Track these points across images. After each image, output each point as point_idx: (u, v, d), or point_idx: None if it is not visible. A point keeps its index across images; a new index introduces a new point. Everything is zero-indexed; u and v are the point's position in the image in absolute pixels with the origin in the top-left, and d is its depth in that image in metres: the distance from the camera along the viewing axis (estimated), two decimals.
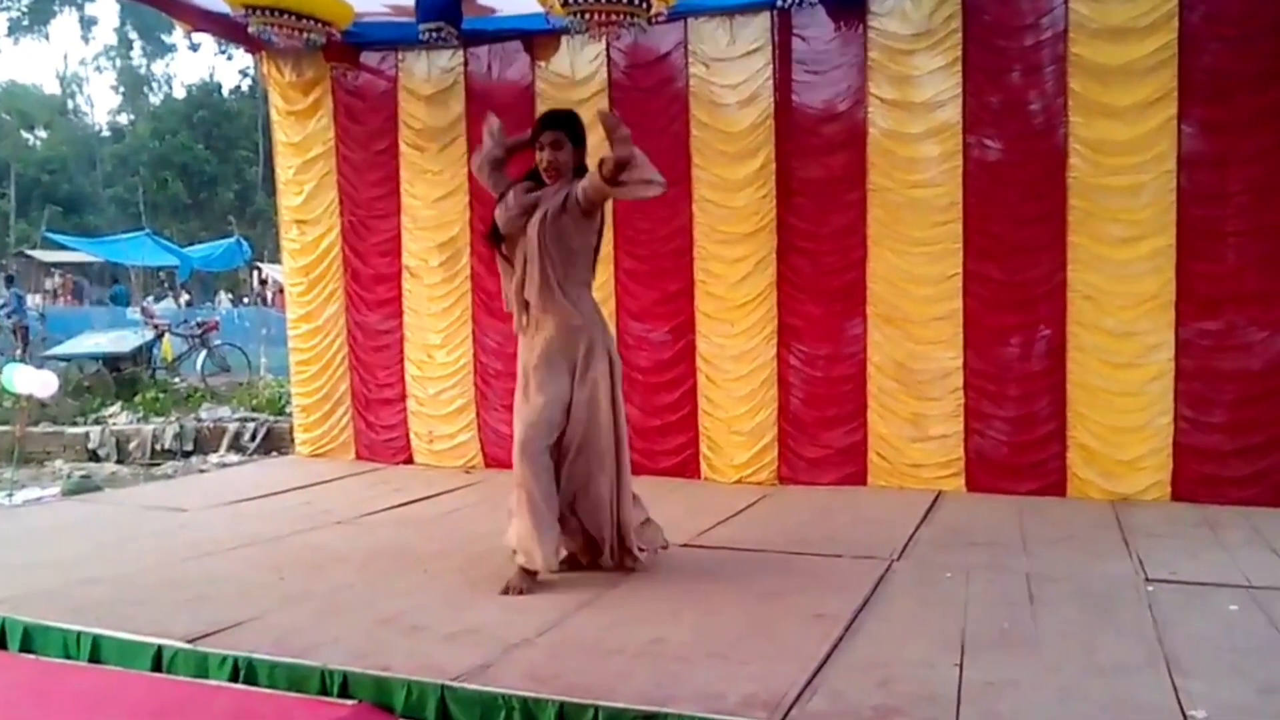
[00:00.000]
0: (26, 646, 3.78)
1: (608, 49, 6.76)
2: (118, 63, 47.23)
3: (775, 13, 6.30)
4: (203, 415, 11.08)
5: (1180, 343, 5.75)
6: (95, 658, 3.64)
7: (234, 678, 3.38)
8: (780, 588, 4.21)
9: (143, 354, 13.87)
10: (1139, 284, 5.80)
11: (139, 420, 11.07)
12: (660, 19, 5.73)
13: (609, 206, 4.73)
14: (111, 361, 13.50)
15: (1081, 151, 5.84)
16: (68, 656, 3.69)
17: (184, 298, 24.44)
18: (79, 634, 3.69)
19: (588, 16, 5.43)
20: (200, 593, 4.20)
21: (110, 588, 4.28)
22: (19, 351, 15.66)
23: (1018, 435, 6.12)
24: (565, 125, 4.39)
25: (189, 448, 10.33)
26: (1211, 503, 5.63)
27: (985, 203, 6.06)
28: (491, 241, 4.56)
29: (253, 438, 10.25)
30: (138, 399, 12.00)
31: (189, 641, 3.53)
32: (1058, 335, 5.99)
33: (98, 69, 49.24)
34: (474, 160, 4.78)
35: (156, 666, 3.53)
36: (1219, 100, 5.62)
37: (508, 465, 7.14)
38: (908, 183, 6.20)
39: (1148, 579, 4.28)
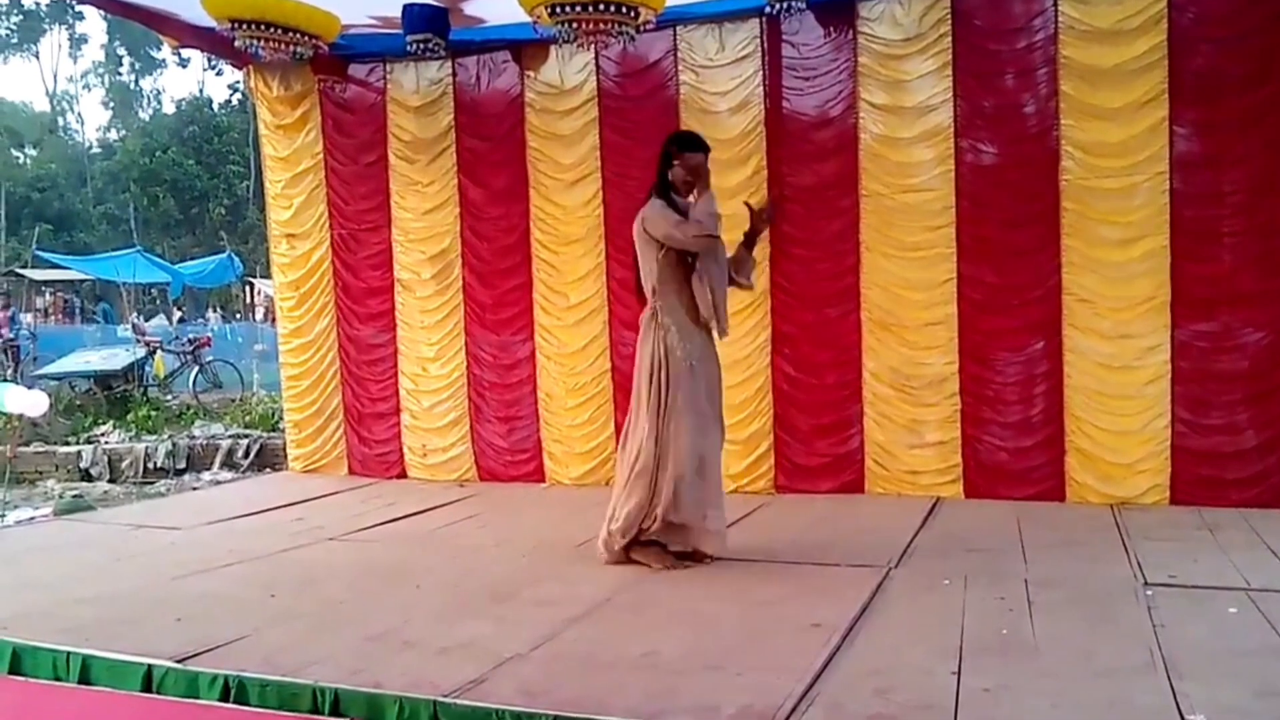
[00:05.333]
0: (15, 668, 3.73)
1: (596, 58, 6.76)
2: (107, 79, 47.17)
3: (764, 19, 6.30)
4: (195, 432, 11.03)
5: (1176, 345, 5.73)
6: (85, 679, 3.59)
7: (224, 697, 3.34)
8: (777, 597, 4.18)
9: (134, 371, 13.80)
10: (1134, 286, 5.79)
11: (131, 438, 11.01)
12: (649, 27, 5.72)
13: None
14: (103, 380, 13.44)
15: (1074, 154, 5.83)
16: (57, 678, 3.64)
17: (176, 314, 24.35)
18: (68, 655, 3.64)
19: (575, 25, 5.40)
20: (191, 611, 4.16)
21: (100, 607, 4.24)
22: (10, 371, 15.58)
23: (1015, 440, 6.10)
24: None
25: (182, 465, 10.28)
26: (1210, 505, 5.60)
27: (978, 207, 6.05)
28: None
29: (246, 454, 10.20)
30: (130, 417, 11.94)
31: (179, 661, 3.49)
32: (1053, 339, 5.96)
33: (87, 86, 49.19)
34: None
35: (146, 687, 3.48)
36: (1210, 101, 5.61)
37: (501, 478, 7.23)
38: (900, 188, 6.19)
39: (1146, 583, 4.25)
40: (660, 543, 4.68)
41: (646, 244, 4.74)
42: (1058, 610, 3.90)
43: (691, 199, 4.75)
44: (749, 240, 4.93)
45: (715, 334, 4.86)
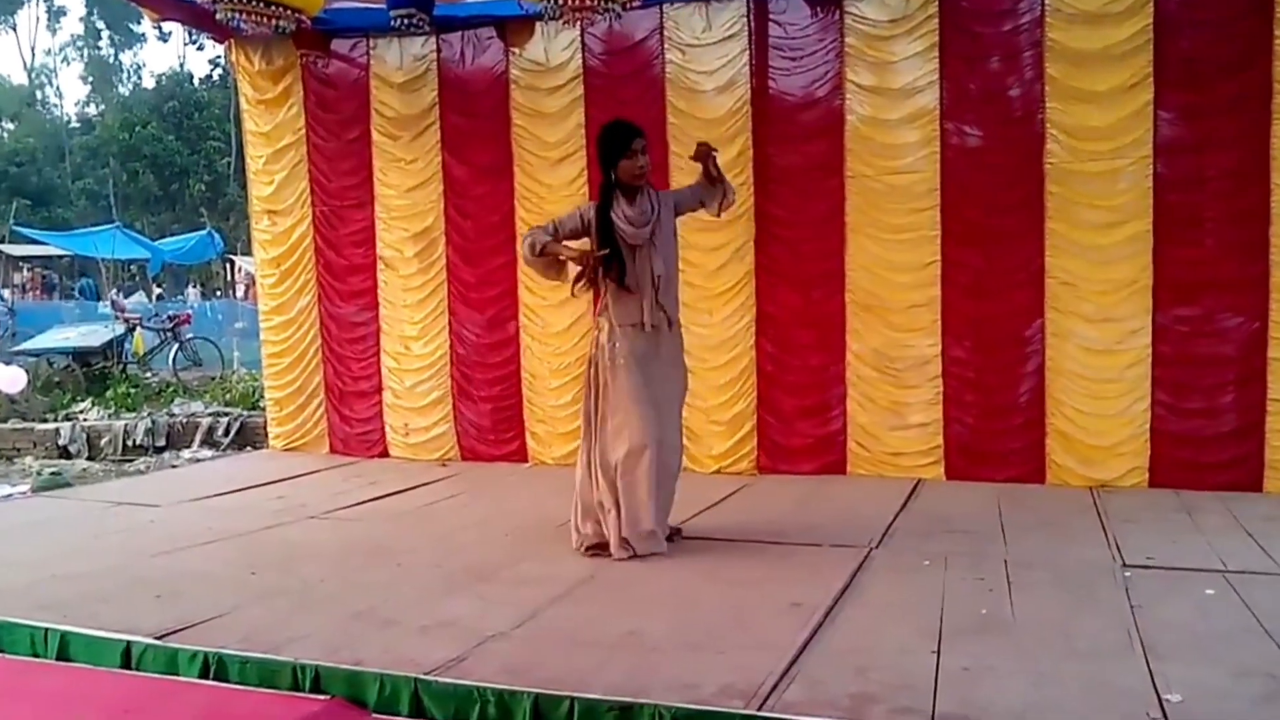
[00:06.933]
0: None
1: (582, 35, 6.71)
2: (86, 53, 46.62)
3: None
4: (175, 410, 10.93)
5: (1158, 328, 5.76)
6: (64, 655, 3.58)
7: (205, 674, 3.33)
8: (758, 577, 4.19)
9: (113, 348, 13.68)
10: (1116, 270, 5.81)
11: (110, 416, 10.91)
12: (635, 5, 5.68)
13: None
14: (82, 356, 13.31)
15: (1059, 137, 5.84)
16: (35, 654, 3.63)
17: (156, 291, 24.17)
18: (47, 631, 3.63)
19: (561, 2, 5.37)
20: (171, 589, 4.14)
21: (79, 584, 4.21)
22: None
23: (997, 422, 6.13)
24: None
25: (161, 443, 10.18)
26: (1189, 488, 5.65)
27: (963, 189, 6.06)
28: (606, 253, 4.57)
29: (226, 432, 10.12)
30: (109, 394, 11.83)
31: (158, 638, 3.48)
32: (1036, 322, 5.98)
33: (65, 60, 48.65)
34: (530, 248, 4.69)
35: (126, 663, 3.48)
36: (1195, 85, 5.63)
37: (484, 458, 7.22)
38: (886, 169, 6.18)
39: (1125, 564, 4.29)
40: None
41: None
42: (1037, 591, 3.92)
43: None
44: (706, 174, 4.72)
45: (671, 330, 4.69)
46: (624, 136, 4.58)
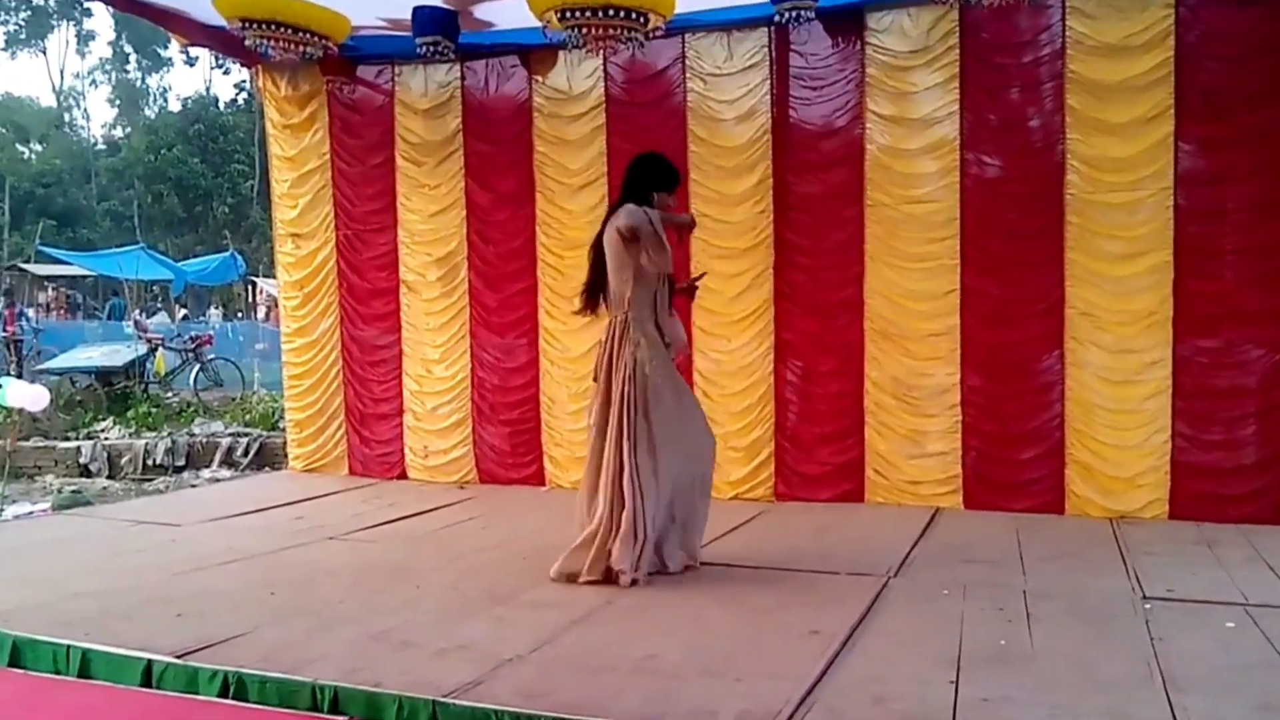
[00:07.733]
0: (15, 661, 3.74)
1: (605, 64, 6.78)
2: (114, 76, 47.22)
3: (773, 28, 6.31)
4: (195, 430, 11.01)
5: (1178, 360, 5.74)
6: (85, 673, 3.61)
7: (224, 693, 3.35)
8: (776, 604, 4.19)
9: (135, 368, 13.79)
10: (1136, 301, 5.80)
11: (131, 435, 10.99)
12: (657, 34, 5.75)
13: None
14: (104, 376, 13.43)
15: (1079, 168, 5.85)
16: (57, 671, 3.65)
17: (179, 312, 24.37)
18: (68, 648, 3.66)
19: (585, 31, 5.43)
20: (191, 608, 4.16)
21: (100, 602, 4.25)
22: (12, 365, 15.59)
23: (1016, 452, 6.11)
24: None
25: (181, 463, 10.26)
26: (1209, 520, 5.61)
27: (983, 219, 6.07)
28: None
29: (245, 453, 10.19)
30: (130, 413, 11.93)
31: (179, 656, 3.50)
32: (1055, 352, 5.98)
33: (93, 82, 49.24)
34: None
35: (146, 682, 3.49)
36: (1215, 118, 5.64)
37: (502, 481, 7.24)
38: (905, 199, 6.21)
39: (1145, 596, 4.26)
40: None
41: (624, 255, 4.61)
42: (1056, 622, 3.91)
43: None
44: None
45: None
46: (674, 178, 4.82)
